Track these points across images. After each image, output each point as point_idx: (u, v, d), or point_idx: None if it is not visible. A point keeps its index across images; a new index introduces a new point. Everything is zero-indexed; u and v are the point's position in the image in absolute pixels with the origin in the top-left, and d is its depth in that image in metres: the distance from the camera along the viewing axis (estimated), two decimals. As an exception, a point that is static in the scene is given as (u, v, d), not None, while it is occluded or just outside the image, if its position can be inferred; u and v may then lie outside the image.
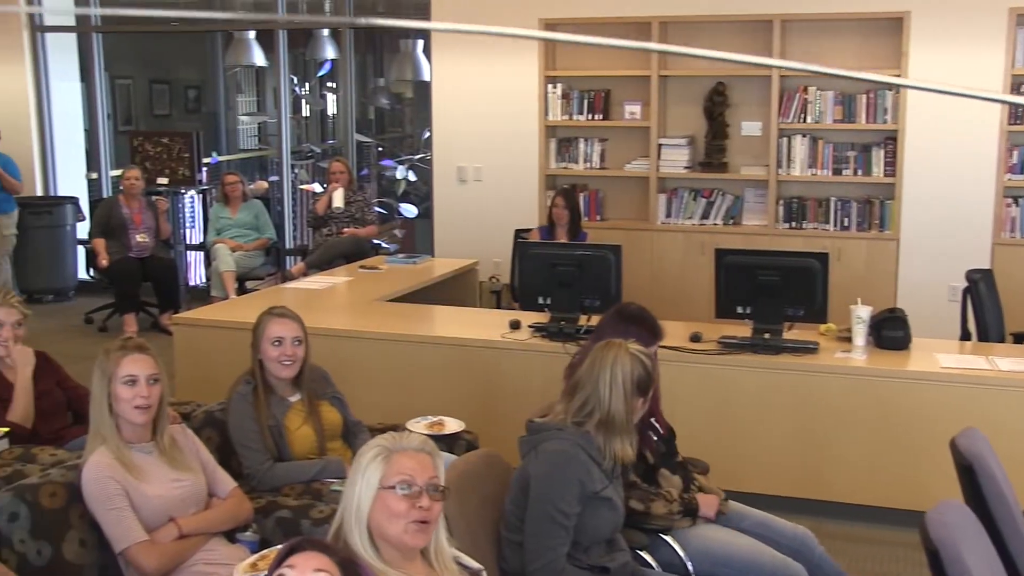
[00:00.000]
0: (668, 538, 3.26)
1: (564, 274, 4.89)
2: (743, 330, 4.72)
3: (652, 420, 3.43)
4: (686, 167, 7.52)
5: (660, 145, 7.53)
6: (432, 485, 2.26)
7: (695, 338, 4.80)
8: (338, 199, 7.80)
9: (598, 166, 7.78)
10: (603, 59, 7.65)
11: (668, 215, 7.59)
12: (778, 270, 4.61)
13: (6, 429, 3.82)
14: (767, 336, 4.63)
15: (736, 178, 7.47)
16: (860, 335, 4.65)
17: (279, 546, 3.01)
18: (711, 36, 7.42)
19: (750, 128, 7.43)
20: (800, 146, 7.24)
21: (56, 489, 2.95)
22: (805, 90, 7.17)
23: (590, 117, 7.70)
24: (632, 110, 7.59)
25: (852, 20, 7.09)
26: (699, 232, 7.47)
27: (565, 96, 7.73)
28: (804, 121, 7.19)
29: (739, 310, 4.67)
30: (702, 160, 7.54)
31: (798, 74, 7.17)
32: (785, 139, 7.27)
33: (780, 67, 6.84)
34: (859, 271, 7.07)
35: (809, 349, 4.61)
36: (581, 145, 7.80)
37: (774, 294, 4.58)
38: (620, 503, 3.04)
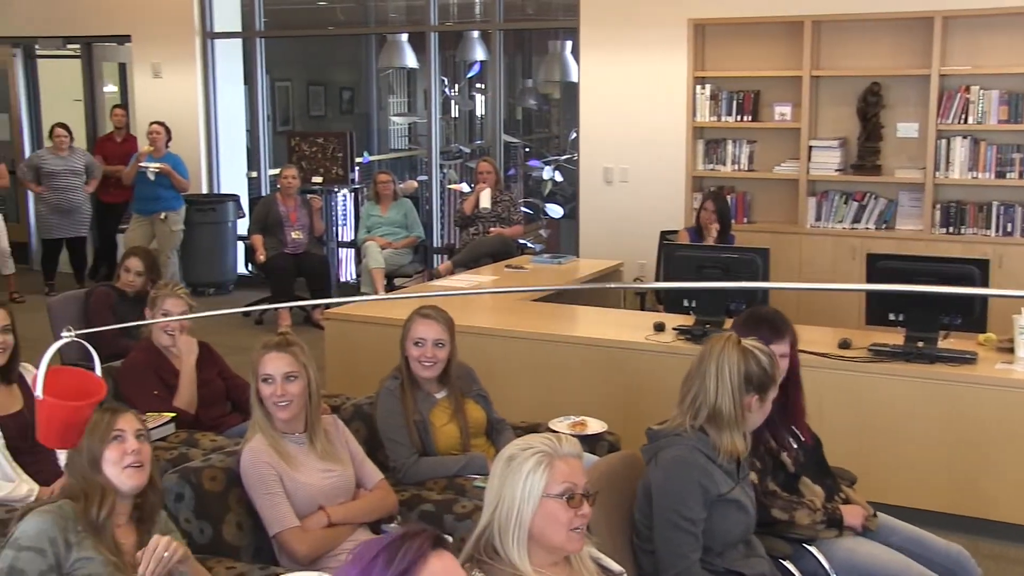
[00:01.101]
0: (812, 548, 3.19)
1: (710, 277, 4.84)
2: (895, 338, 4.58)
3: (793, 428, 3.37)
4: (837, 169, 7.34)
5: (811, 147, 7.37)
6: (588, 491, 2.26)
7: (844, 345, 4.68)
8: (485, 199, 7.91)
9: (746, 168, 7.66)
10: (753, 60, 7.53)
11: (818, 218, 7.42)
12: (934, 276, 4.46)
13: (172, 414, 4.02)
14: (921, 344, 4.49)
15: (890, 181, 7.24)
16: (1023, 346, 4.46)
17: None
18: (866, 35, 7.22)
19: (906, 129, 7.19)
20: (960, 148, 6.97)
21: (216, 473, 3.11)
22: (967, 89, 6.89)
23: (739, 118, 7.60)
24: (782, 111, 7.44)
25: (1018, 15, 6.77)
26: (850, 236, 7.27)
27: (714, 97, 7.64)
28: (965, 122, 6.91)
29: (891, 317, 4.54)
30: (854, 162, 7.34)
31: (959, 72, 6.91)
32: (944, 141, 7.01)
33: None
34: (1022, 278, 6.75)
35: (967, 359, 4.45)
36: (729, 147, 7.70)
37: (929, 301, 4.43)
38: (750, 504, 2.98)
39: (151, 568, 2.45)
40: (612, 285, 6.79)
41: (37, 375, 2.33)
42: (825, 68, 7.32)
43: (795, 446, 3.35)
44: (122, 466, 2.58)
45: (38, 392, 2.24)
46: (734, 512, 2.90)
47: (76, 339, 2.30)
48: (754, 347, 2.96)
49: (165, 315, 4.29)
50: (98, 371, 2.37)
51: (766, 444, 3.28)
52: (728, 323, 4.77)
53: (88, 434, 2.61)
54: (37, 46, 10.87)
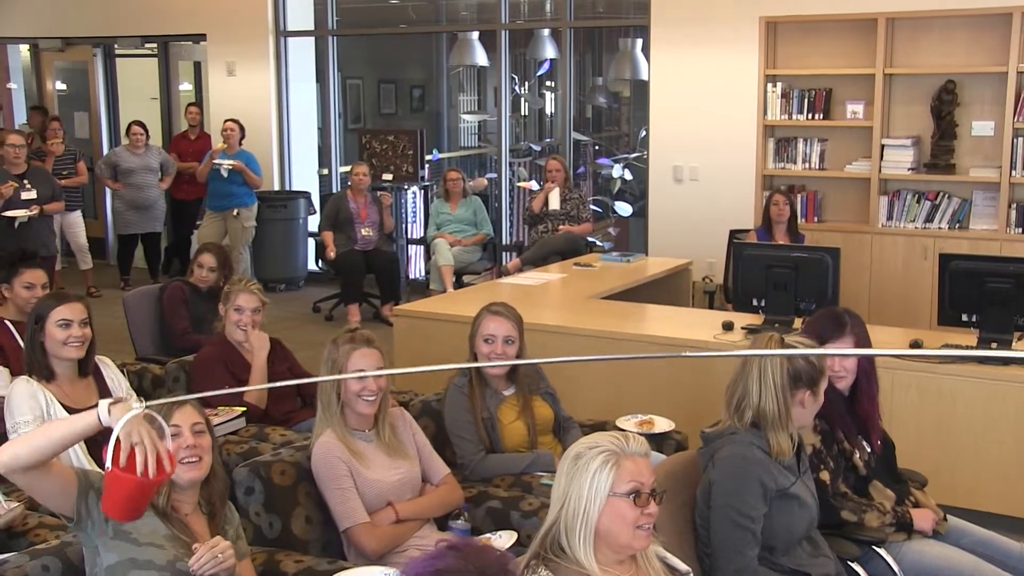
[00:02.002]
0: (881, 551, 3.16)
1: (780, 276, 4.81)
2: (968, 339, 4.50)
3: (867, 430, 3.33)
4: (910, 168, 7.21)
5: (883, 145, 7.25)
6: (655, 489, 2.26)
7: (916, 345, 4.61)
8: (554, 200, 7.91)
9: (817, 167, 7.57)
10: (825, 57, 7.43)
11: (889, 218, 7.30)
12: (1009, 277, 4.37)
13: (243, 409, 4.09)
14: (995, 346, 4.40)
15: (964, 180, 7.10)
16: (1101, 349, 4.35)
17: (488, 534, 3.13)
18: (941, 31, 7.09)
19: (981, 128, 7.04)
20: (1038, 147, 6.81)
21: (286, 468, 3.15)
22: (1047, 87, 6.74)
23: (810, 116, 7.50)
24: (855, 109, 7.34)
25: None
26: (922, 236, 7.15)
27: (785, 95, 7.56)
28: (1045, 120, 6.76)
29: (964, 318, 4.46)
30: (927, 161, 7.21)
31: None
32: (1021, 139, 6.85)
33: None
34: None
35: (1043, 362, 4.35)
36: (800, 145, 7.61)
37: (1004, 302, 4.34)
38: (812, 500, 2.95)
39: (203, 561, 2.51)
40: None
41: (108, 445, 2.28)
42: (899, 66, 7.20)
43: (868, 449, 3.32)
44: (178, 459, 2.60)
45: (107, 463, 2.28)
46: (796, 508, 2.88)
47: (149, 412, 2.33)
48: (797, 341, 2.96)
49: (238, 310, 4.35)
50: (169, 444, 2.39)
51: (839, 444, 3.25)
52: (798, 323, 4.73)
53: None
54: (116, 45, 11.13)
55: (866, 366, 3.35)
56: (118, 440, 2.27)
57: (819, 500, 3.00)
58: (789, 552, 2.89)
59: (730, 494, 2.83)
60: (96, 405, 2.36)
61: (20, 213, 7.64)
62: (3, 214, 7.60)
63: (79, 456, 3.51)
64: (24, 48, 11.72)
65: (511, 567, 1.72)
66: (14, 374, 3.88)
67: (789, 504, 2.87)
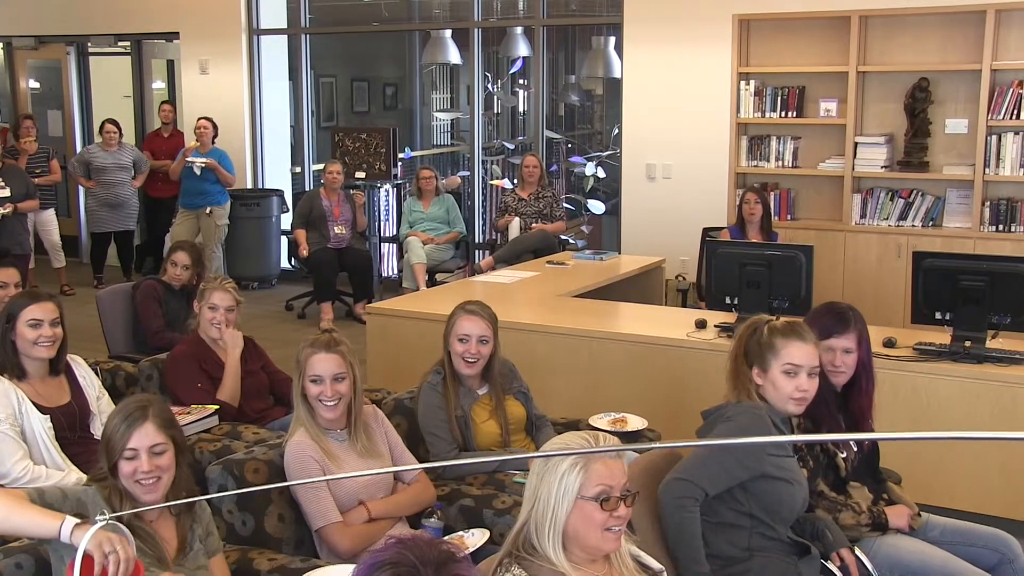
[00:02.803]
0: (856, 550, 3.16)
1: (753, 274, 4.82)
2: (942, 337, 4.52)
3: (859, 427, 3.35)
4: (883, 166, 7.26)
5: (856, 143, 7.29)
6: (626, 492, 2.25)
7: (889, 343, 4.63)
8: (513, 231, 7.93)
9: (790, 165, 7.60)
10: (799, 55, 7.46)
11: (863, 216, 7.34)
12: (983, 275, 4.39)
13: (216, 407, 4.07)
14: (968, 344, 4.43)
15: (938, 178, 7.15)
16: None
17: (461, 532, 3.12)
18: (915, 29, 7.13)
19: (955, 126, 7.09)
20: (1012, 145, 6.86)
21: (259, 466, 3.14)
22: (1020, 84, 6.78)
23: (783, 114, 7.53)
24: (828, 107, 7.37)
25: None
26: (896, 234, 7.19)
27: (758, 93, 7.58)
28: (1018, 118, 6.80)
29: (938, 316, 4.48)
30: (901, 159, 7.25)
31: (1012, 67, 6.79)
32: (995, 137, 6.90)
33: None
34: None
35: (1017, 360, 4.38)
36: (773, 143, 7.64)
37: (978, 300, 4.37)
38: (804, 478, 3.02)
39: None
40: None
41: (75, 559, 2.21)
42: (872, 63, 7.24)
43: (855, 449, 3.32)
44: (134, 480, 2.56)
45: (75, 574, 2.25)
46: (797, 479, 2.95)
47: (112, 522, 2.31)
48: (772, 323, 3.04)
49: (212, 308, 4.33)
50: (133, 549, 2.37)
51: (822, 444, 3.25)
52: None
53: (104, 445, 2.60)
54: (89, 44, 11.05)
55: (866, 361, 3.35)
56: (86, 555, 2.23)
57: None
58: (787, 524, 2.96)
59: (706, 461, 2.88)
60: (63, 522, 2.33)
61: (-7, 211, 7.61)
62: (-25, 212, 7.59)
63: (51, 452, 3.48)
64: (-3, 46, 11.63)
65: (460, 558, 1.70)
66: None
67: (788, 478, 2.92)
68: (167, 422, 2.65)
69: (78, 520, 2.35)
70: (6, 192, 7.75)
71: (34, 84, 11.59)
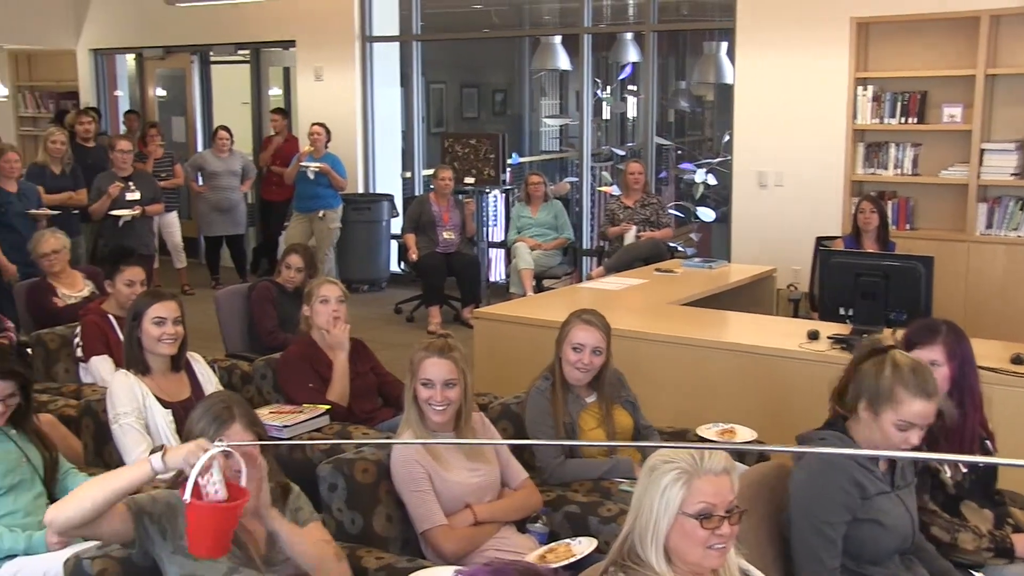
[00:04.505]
0: (979, 575, 3.03)
1: (869, 285, 4.68)
2: (1073, 352, 4.32)
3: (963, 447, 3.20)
4: (1013, 174, 6.97)
5: (983, 150, 7.03)
6: (731, 509, 2.20)
7: (1017, 360, 4.44)
8: (629, 238, 7.88)
9: (910, 172, 7.38)
10: (921, 59, 7.24)
11: (989, 226, 7.07)
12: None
13: (327, 407, 4.13)
14: (1101, 360, 4.22)
15: (1073, 187, 6.84)
16: None
17: (568, 540, 3.10)
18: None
19: (1093, 131, 6.78)
20: None
21: (368, 466, 3.17)
22: None
23: (903, 120, 7.31)
24: (952, 112, 7.13)
25: None
26: (1024, 245, 6.92)
27: (876, 98, 7.39)
28: None
29: (1068, 331, 4.28)
30: (1032, 167, 6.97)
31: None
32: None
33: None
34: None
35: None
36: (892, 150, 7.42)
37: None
38: (905, 516, 2.83)
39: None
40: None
41: (187, 481, 2.30)
42: (1003, 65, 6.96)
43: (963, 470, 3.18)
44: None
45: (187, 496, 2.31)
46: (888, 521, 2.78)
47: (228, 448, 2.39)
48: (898, 359, 2.79)
49: (324, 301, 4.38)
50: (244, 480, 2.43)
51: (925, 462, 3.12)
52: (887, 333, 4.60)
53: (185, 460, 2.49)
54: (212, 53, 11.42)
55: (960, 380, 3.21)
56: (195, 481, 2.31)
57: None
58: (879, 564, 2.80)
59: (810, 498, 2.75)
60: (152, 452, 2.44)
61: (124, 213, 8.02)
62: (110, 213, 7.99)
63: (172, 445, 3.56)
64: (130, 58, 12.18)
65: None
66: (117, 366, 4.01)
67: (878, 514, 2.77)
68: (252, 420, 2.72)
69: (160, 448, 2.46)
70: (136, 195, 8.11)
71: (161, 92, 12.07)
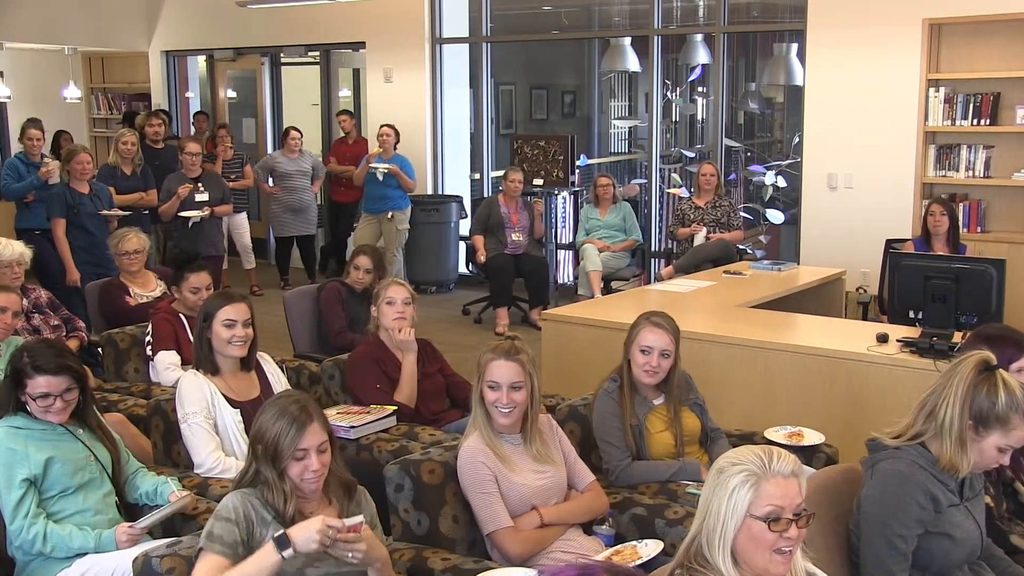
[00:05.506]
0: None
1: (939, 288, 4.64)
2: None
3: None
4: (1088, 177, 6.85)
5: (1058, 152, 6.91)
6: (799, 512, 2.20)
7: (1089, 365, 4.36)
8: (699, 239, 7.85)
9: (982, 175, 7.26)
10: (993, 60, 7.13)
11: (1064, 229, 6.95)
12: None
13: (394, 408, 4.19)
14: None
15: None
16: None
17: (634, 542, 3.12)
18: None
19: None
20: None
21: (435, 467, 3.21)
22: None
23: (975, 122, 7.21)
24: (1026, 114, 7.01)
25: None
26: (1101, 249, 6.77)
27: (948, 100, 7.28)
28: None
29: None
30: (1110, 169, 6.83)
31: None
32: None
33: None
34: None
35: None
36: (964, 152, 7.32)
37: None
38: (975, 526, 2.81)
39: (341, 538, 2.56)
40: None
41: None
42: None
43: None
44: (301, 478, 2.67)
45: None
46: (957, 533, 2.76)
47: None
48: (1010, 383, 2.74)
49: (390, 303, 4.39)
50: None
51: (997, 469, 3.09)
52: (957, 336, 4.55)
53: (268, 449, 2.66)
54: (282, 54, 11.59)
55: None
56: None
57: (987, 524, 2.87)
58: (946, 575, 2.79)
59: (884, 510, 2.74)
60: (276, 539, 2.54)
61: (194, 214, 8.13)
62: (179, 214, 8.11)
63: (240, 444, 3.65)
64: (201, 59, 12.37)
65: None
66: (186, 364, 4.09)
67: (949, 528, 2.75)
68: (325, 419, 2.78)
69: (277, 534, 2.54)
70: (205, 196, 8.21)
71: (231, 94, 12.26)
